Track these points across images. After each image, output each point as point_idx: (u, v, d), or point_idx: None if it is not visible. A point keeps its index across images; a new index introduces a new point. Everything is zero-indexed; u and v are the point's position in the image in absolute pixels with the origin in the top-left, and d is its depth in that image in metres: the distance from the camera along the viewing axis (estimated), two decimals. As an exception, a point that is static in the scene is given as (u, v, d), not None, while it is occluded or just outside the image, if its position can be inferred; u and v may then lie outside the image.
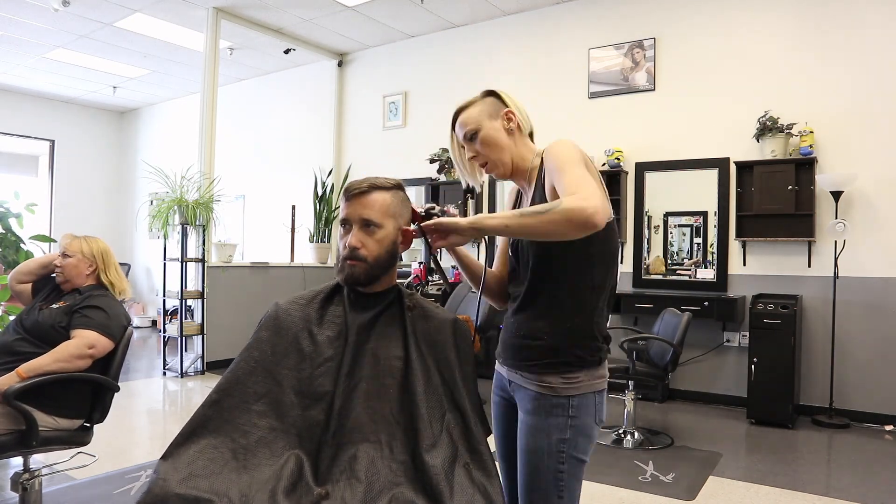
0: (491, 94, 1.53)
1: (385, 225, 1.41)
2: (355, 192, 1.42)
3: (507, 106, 1.51)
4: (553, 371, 1.43)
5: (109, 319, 2.46)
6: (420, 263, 6.32)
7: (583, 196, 1.24)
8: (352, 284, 1.44)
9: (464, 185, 1.55)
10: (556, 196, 1.35)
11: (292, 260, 7.17)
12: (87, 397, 2.45)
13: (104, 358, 2.47)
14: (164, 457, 1.23)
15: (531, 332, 1.46)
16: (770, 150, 4.64)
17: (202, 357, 5.92)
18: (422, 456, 1.27)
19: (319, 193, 7.00)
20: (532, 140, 1.57)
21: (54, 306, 2.52)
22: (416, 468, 1.27)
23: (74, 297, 2.55)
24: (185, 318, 6.06)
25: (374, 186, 1.42)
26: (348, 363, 1.35)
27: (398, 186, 1.46)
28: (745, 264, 4.90)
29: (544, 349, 1.44)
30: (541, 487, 1.43)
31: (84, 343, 2.35)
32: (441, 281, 6.22)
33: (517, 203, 1.62)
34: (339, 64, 7.38)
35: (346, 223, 1.43)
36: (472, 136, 1.50)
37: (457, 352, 1.43)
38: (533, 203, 1.47)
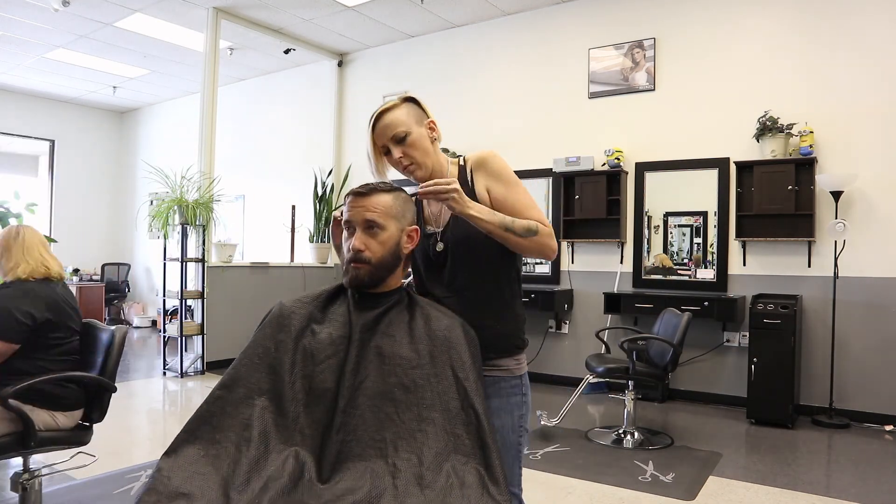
0: (411, 100, 1.57)
1: (388, 226, 1.43)
2: (357, 195, 1.44)
3: (428, 116, 1.57)
4: (507, 354, 1.56)
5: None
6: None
7: (551, 233, 1.49)
8: (357, 287, 1.44)
9: (375, 179, 1.59)
10: (491, 201, 1.52)
11: (292, 260, 7.17)
12: (80, 390, 2.42)
13: (96, 357, 2.44)
14: (168, 453, 1.24)
15: (477, 321, 1.50)
16: (770, 150, 4.63)
17: (202, 357, 5.92)
18: (429, 457, 1.25)
19: (319, 193, 7.00)
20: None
21: None
22: (422, 471, 1.24)
23: None
24: (185, 318, 6.06)
25: (375, 189, 1.44)
26: (353, 361, 1.34)
27: (399, 189, 1.48)
28: (745, 264, 4.90)
29: (494, 335, 1.53)
30: (506, 462, 1.44)
31: None
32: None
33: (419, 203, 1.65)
34: (339, 64, 7.38)
35: (349, 226, 1.45)
36: (402, 138, 1.51)
37: (470, 353, 1.40)
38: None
